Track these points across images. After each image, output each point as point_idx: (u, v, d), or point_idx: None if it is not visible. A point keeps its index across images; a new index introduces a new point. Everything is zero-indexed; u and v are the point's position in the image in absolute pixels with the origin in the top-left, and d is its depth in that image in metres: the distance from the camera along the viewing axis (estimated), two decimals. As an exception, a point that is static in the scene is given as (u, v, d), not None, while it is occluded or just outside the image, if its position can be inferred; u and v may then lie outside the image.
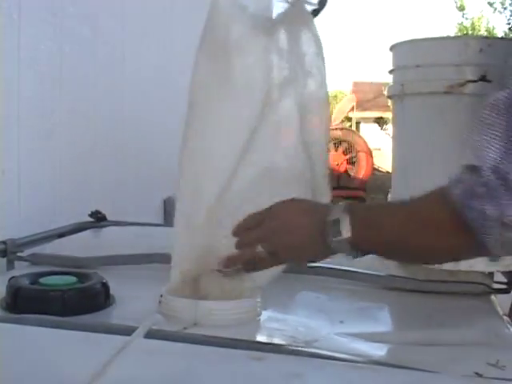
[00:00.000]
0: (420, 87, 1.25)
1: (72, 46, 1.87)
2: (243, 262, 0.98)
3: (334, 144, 11.65)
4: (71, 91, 1.90)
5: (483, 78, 1.19)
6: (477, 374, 0.80)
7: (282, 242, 0.95)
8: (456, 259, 0.98)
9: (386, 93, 1.42)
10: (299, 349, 0.78)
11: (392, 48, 1.35)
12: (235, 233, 0.99)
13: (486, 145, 0.77)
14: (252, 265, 0.98)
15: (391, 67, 1.38)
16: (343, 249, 0.90)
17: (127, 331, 0.78)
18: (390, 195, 1.45)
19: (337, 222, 0.89)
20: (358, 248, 0.91)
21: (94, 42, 2.04)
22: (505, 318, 1.12)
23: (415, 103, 1.27)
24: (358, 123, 18.91)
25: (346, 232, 0.88)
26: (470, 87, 1.20)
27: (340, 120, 12.92)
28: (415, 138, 1.30)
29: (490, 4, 12.87)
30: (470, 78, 1.20)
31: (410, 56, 1.28)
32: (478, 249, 0.80)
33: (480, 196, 0.77)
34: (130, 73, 2.32)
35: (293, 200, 0.97)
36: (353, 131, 13.23)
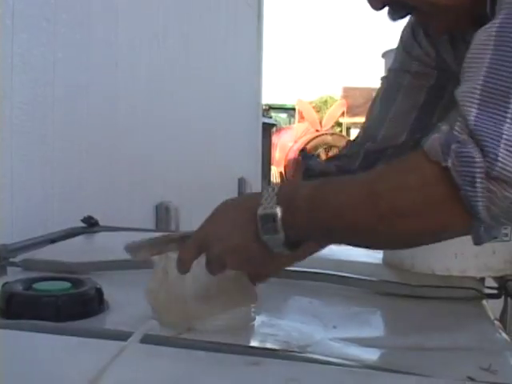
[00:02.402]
0: None
1: (65, 52, 1.88)
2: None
3: (325, 149, 11.69)
4: (64, 97, 1.90)
5: None
6: (469, 378, 0.81)
7: (213, 253, 0.86)
8: (438, 238, 0.80)
9: None
10: (295, 354, 0.78)
11: (384, 55, 1.36)
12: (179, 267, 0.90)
13: (468, 90, 0.69)
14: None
15: (383, 74, 1.39)
16: (278, 247, 0.80)
17: (123, 336, 0.78)
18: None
19: (269, 217, 0.79)
20: (297, 245, 0.82)
21: (87, 48, 2.05)
22: (496, 322, 1.13)
23: None
24: (348, 129, 18.97)
25: (280, 231, 0.78)
26: None
27: (330, 125, 12.96)
28: None
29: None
30: None
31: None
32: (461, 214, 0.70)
33: (464, 141, 0.68)
34: (122, 78, 2.33)
35: (225, 206, 0.90)
36: (343, 136, 13.26)
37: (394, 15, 0.87)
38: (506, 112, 0.67)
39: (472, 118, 0.68)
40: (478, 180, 0.67)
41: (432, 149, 0.71)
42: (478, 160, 0.67)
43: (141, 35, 2.54)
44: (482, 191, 0.68)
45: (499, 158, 0.66)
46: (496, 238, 0.78)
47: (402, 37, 1.07)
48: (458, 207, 0.70)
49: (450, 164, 0.69)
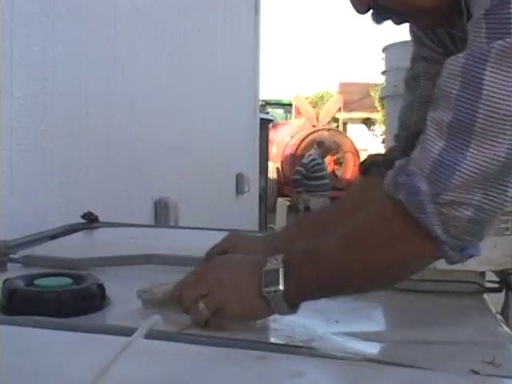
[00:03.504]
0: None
1: (64, 47, 1.88)
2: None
3: (321, 145, 11.69)
4: (63, 92, 1.90)
5: None
6: (473, 371, 0.81)
7: (222, 296, 0.89)
8: (412, 267, 0.89)
9: (378, 94, 1.42)
10: (301, 348, 0.78)
11: (385, 49, 1.36)
12: (177, 289, 0.95)
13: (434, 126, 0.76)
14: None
15: (384, 68, 1.39)
16: (278, 302, 0.87)
17: (127, 332, 0.78)
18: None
19: (272, 272, 0.87)
20: (295, 299, 0.89)
21: (86, 43, 2.04)
22: (498, 316, 1.13)
23: None
24: (344, 124, 18.97)
25: (281, 283, 0.86)
26: None
27: (327, 121, 12.96)
28: None
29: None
30: None
31: (403, 57, 1.28)
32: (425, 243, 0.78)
33: (411, 173, 0.76)
34: (121, 74, 2.33)
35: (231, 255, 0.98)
36: (340, 132, 13.28)
37: (378, 18, 0.89)
38: (468, 146, 0.73)
39: (437, 150, 0.75)
40: (428, 206, 0.75)
41: (386, 185, 0.80)
42: (423, 188, 0.75)
43: (139, 31, 2.54)
44: (434, 215, 0.75)
45: (450, 187, 0.73)
46: (473, 256, 0.85)
47: (410, 27, 1.10)
48: (418, 235, 0.78)
49: (401, 196, 0.77)
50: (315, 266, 0.87)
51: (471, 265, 1.23)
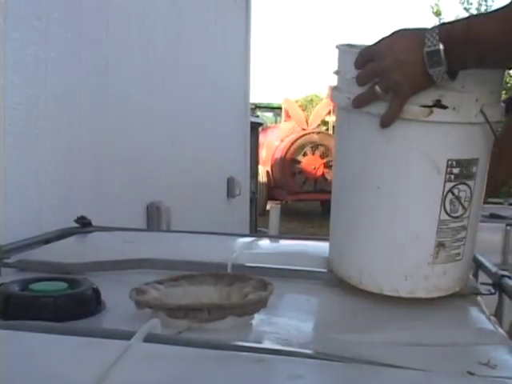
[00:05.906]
0: (369, 107, 1.08)
1: (57, 51, 1.87)
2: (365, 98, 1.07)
3: (311, 148, 11.69)
4: (57, 96, 1.89)
5: (438, 104, 1.03)
6: (469, 372, 0.82)
7: (392, 79, 1.03)
8: None
9: (329, 94, 1.27)
10: (299, 350, 0.79)
11: (338, 49, 1.20)
12: (355, 65, 1.09)
13: None
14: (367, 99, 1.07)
15: (337, 68, 1.22)
16: (441, 77, 1.00)
17: (124, 336, 0.78)
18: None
19: (434, 53, 0.99)
20: (454, 71, 1.01)
21: (79, 47, 2.04)
22: (492, 318, 1.14)
23: (362, 123, 1.12)
24: (334, 127, 18.99)
25: (444, 64, 0.99)
26: (423, 113, 1.04)
27: (317, 124, 12.97)
28: (358, 156, 1.15)
29: (466, 10, 13.05)
30: (424, 103, 1.04)
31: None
32: None
33: None
34: (114, 77, 2.32)
35: (397, 34, 1.05)
36: (330, 135, 13.26)
37: None
38: None
39: None
40: None
41: None
42: None
43: (131, 34, 2.54)
44: None
45: None
46: None
47: None
48: None
49: None
50: (475, 45, 0.98)
51: (419, 292, 1.15)
